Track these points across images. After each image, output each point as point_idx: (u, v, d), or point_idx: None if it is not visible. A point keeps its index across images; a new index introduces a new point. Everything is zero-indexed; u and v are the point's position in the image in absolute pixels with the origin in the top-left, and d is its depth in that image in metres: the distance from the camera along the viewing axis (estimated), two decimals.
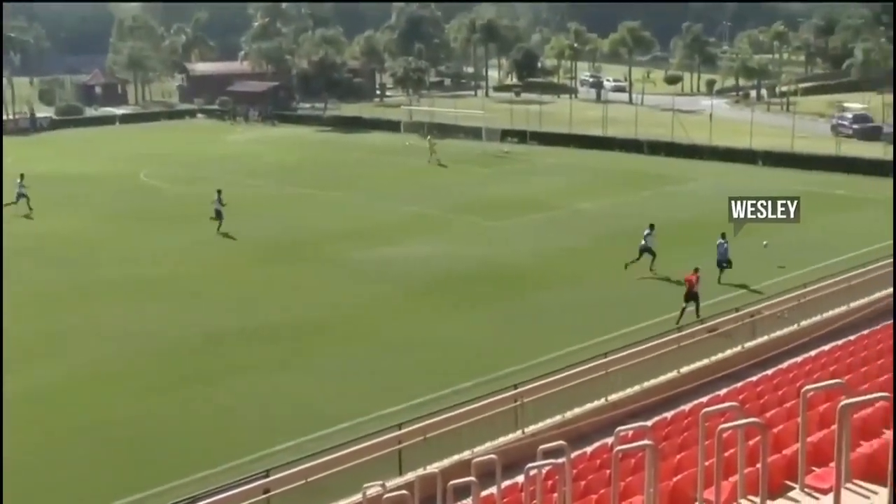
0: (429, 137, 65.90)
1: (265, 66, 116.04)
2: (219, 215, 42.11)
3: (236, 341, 27.57)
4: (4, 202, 45.87)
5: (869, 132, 65.59)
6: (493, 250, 37.93)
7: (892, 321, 22.88)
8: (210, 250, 39.05)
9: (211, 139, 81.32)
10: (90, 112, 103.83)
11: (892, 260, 28.15)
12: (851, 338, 22.23)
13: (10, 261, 36.30)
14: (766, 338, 24.44)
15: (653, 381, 21.82)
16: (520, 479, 14.76)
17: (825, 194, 45.57)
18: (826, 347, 22.00)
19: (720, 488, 9.59)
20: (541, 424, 19.75)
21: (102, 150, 74.30)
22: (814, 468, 9.71)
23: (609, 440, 15.85)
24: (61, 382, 24.57)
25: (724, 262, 32.02)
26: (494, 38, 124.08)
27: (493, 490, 14.45)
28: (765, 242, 34.98)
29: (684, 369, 22.45)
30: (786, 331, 24.90)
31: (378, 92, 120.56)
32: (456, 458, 18.21)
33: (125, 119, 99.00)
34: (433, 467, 17.28)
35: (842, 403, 7.77)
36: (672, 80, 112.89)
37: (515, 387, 19.97)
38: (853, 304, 26.53)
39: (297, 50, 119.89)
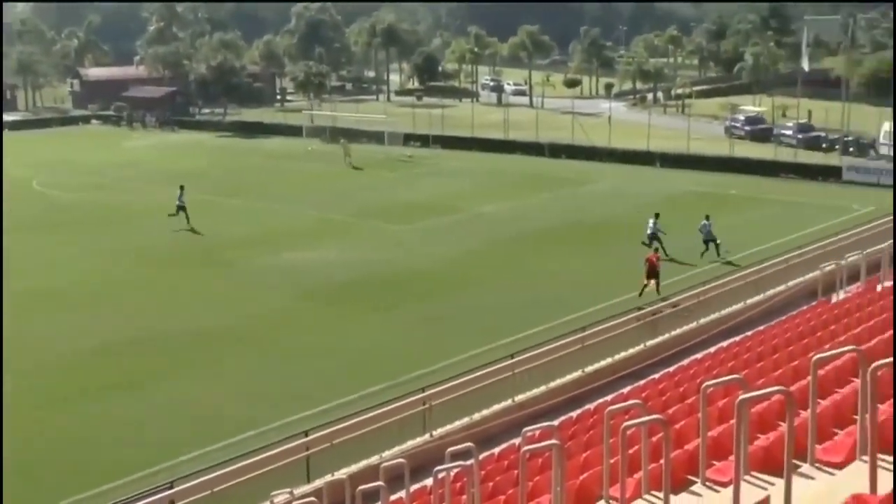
0: (342, 141, 65.84)
1: (162, 71, 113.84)
2: (182, 210, 43.01)
3: (137, 351, 26.99)
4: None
5: (760, 134, 67.60)
6: (397, 255, 37.95)
7: (784, 317, 23.74)
8: (108, 259, 38.16)
9: (107, 145, 79.43)
10: None
11: (790, 256, 29.16)
12: (748, 334, 22.87)
13: None
14: (667, 336, 25.00)
15: (558, 381, 22.11)
16: (428, 482, 14.81)
17: (719, 194, 46.82)
18: (724, 344, 22.54)
19: (625, 485, 9.77)
20: (448, 427, 19.85)
21: None
22: (714, 462, 9.96)
23: (516, 441, 16.01)
24: None
25: (709, 240, 34.75)
26: (395, 43, 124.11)
27: (401, 494, 14.47)
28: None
29: (589, 369, 22.81)
30: (686, 328, 25.52)
31: (279, 97, 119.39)
32: (364, 463, 18.19)
33: (15, 126, 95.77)
34: (341, 473, 17.22)
35: (740, 398, 8.00)
36: (571, 84, 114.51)
37: (423, 390, 20.05)
38: (749, 301, 27.32)
39: (195, 54, 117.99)
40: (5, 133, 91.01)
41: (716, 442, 10.49)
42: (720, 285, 27.44)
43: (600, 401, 19.17)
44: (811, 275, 27.83)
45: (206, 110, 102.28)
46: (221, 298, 32.25)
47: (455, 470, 13.35)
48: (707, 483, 9.55)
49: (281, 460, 17.43)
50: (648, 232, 35.46)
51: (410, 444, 19.10)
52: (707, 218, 35.17)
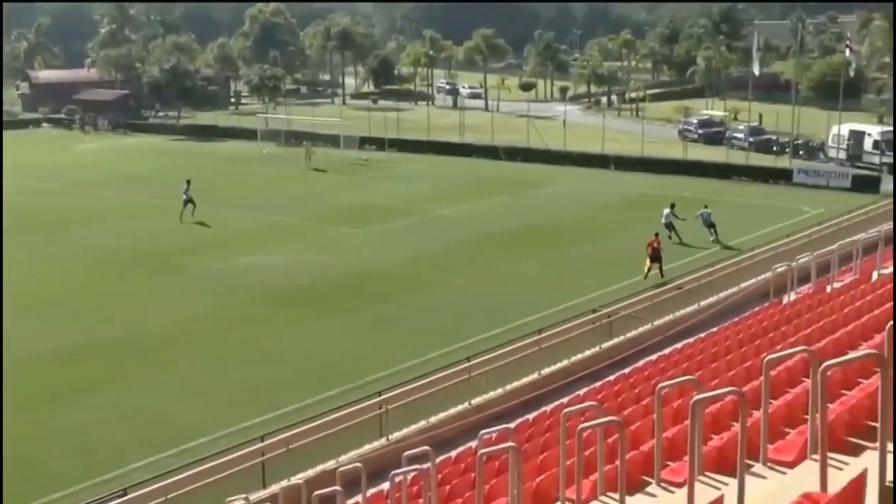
0: (306, 143, 65.63)
1: (114, 74, 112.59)
2: (190, 202, 45.03)
3: (88, 357, 26.65)
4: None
5: (712, 137, 68.33)
6: (354, 258, 37.84)
7: (737, 318, 24.01)
8: (57, 264, 37.66)
9: (58, 149, 78.45)
10: None
11: (743, 258, 29.51)
12: (702, 335, 23.09)
13: None
14: (622, 337, 25.15)
15: (515, 384, 22.16)
16: (385, 486, 14.77)
17: (673, 197, 47.15)
18: (678, 345, 22.75)
19: (581, 486, 9.81)
20: (405, 431, 19.82)
21: None
22: (669, 462, 10.03)
23: (473, 444, 16.02)
24: None
25: (710, 226, 37.87)
26: (350, 46, 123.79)
27: (358, 498, 14.43)
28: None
29: (545, 371, 22.88)
30: (641, 330, 25.68)
31: (233, 100, 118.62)
32: (320, 467, 18.10)
33: None
34: (297, 478, 17.13)
35: (694, 399, 8.06)
36: (526, 87, 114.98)
37: (380, 394, 19.99)
38: (702, 303, 27.58)
39: (148, 57, 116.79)
40: None
41: (670, 443, 10.57)
42: (674, 287, 27.66)
43: (556, 403, 19.25)
44: (763, 276, 28.18)
45: (160, 113, 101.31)
46: (173, 303, 31.93)
47: (412, 474, 13.31)
48: (662, 484, 9.62)
49: (236, 466, 17.28)
50: (664, 221, 37.42)
51: (367, 448, 19.03)
52: (706, 206, 38.61)
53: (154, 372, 25.72)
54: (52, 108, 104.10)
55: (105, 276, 35.67)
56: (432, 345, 26.37)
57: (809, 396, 8.30)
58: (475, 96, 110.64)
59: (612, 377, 20.87)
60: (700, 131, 70.26)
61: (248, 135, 78.29)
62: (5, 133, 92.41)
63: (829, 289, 23.31)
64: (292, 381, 24.54)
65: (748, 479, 7.90)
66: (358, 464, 15.33)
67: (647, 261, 32.38)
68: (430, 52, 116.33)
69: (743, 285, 28.73)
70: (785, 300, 24.68)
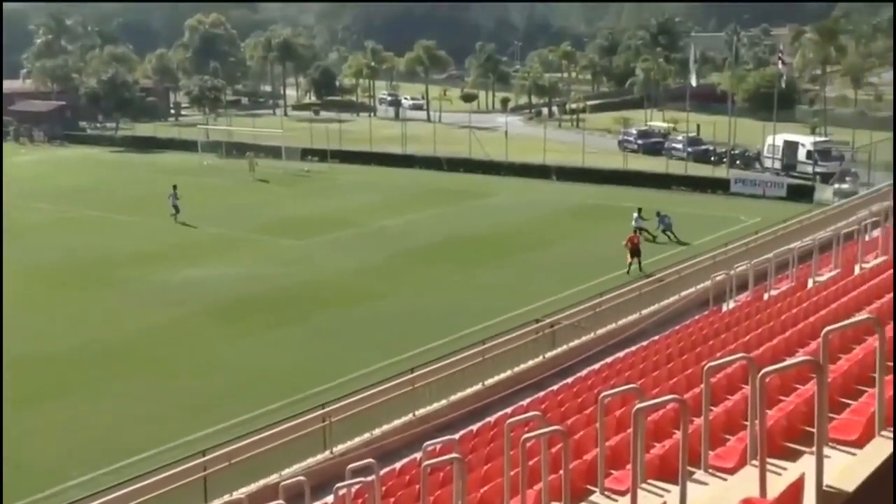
0: (249, 154, 65.10)
1: (50, 85, 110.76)
2: (176, 209, 47.09)
3: (27, 370, 26.08)
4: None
5: (651, 147, 69.16)
6: (296, 270, 37.60)
7: (678, 327, 24.27)
8: None
9: None
10: None
11: (683, 267, 29.84)
12: (643, 343, 23.28)
13: None
14: (565, 347, 25.26)
15: (459, 395, 22.14)
16: (329, 499, 14.68)
17: (614, 207, 47.68)
18: (620, 354, 22.88)
19: (525, 496, 9.82)
20: (349, 443, 19.71)
21: None
22: (612, 471, 10.08)
23: (417, 455, 15.97)
24: None
25: (668, 229, 39.81)
26: (291, 57, 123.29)
27: None
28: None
29: (489, 381, 22.90)
30: (583, 339, 25.82)
31: (173, 111, 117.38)
32: (263, 482, 17.92)
33: None
34: (240, 493, 16.95)
35: (636, 407, 8.11)
36: (468, 98, 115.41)
37: (323, 406, 19.86)
38: (644, 312, 27.82)
39: (85, 68, 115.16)
40: None
41: (614, 451, 10.63)
42: (615, 296, 27.87)
43: (500, 413, 19.26)
44: (703, 285, 28.52)
45: (98, 125, 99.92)
46: (115, 316, 31.44)
47: (356, 486, 13.25)
48: (605, 492, 9.67)
49: (177, 481, 17.03)
50: (634, 224, 39.10)
51: (310, 461, 18.88)
52: (658, 213, 40.31)
53: (95, 386, 25.29)
54: None
55: (45, 290, 35.01)
56: (376, 356, 26.28)
57: (748, 403, 8.40)
58: (417, 107, 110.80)
59: (555, 387, 20.93)
60: (640, 142, 71.06)
61: (188, 146, 77.49)
62: None
63: (766, 296, 23.68)
64: (235, 394, 24.29)
65: (690, 485, 7.96)
66: (301, 477, 15.22)
67: (628, 256, 34.82)
68: (372, 64, 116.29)
69: (683, 293, 29.05)
70: (724, 308, 25.00)
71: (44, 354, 27.57)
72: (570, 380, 21.33)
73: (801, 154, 57.12)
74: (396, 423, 20.69)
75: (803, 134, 64.58)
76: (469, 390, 22.42)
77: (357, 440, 19.85)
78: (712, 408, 10.48)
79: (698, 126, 70.04)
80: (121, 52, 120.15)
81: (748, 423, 8.42)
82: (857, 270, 21.38)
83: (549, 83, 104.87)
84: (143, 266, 38.28)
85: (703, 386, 9.07)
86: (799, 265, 25.06)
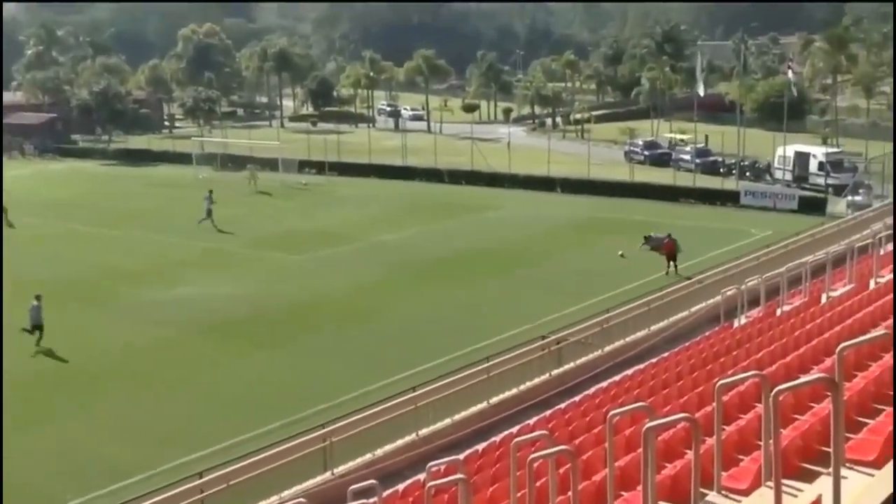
0: (250, 167, 65.22)
1: (41, 97, 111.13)
2: (209, 213, 48.60)
3: (13, 392, 26.02)
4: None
5: (658, 158, 69.24)
6: (294, 286, 37.60)
7: (688, 343, 24.28)
8: None
9: None
10: None
11: (692, 282, 29.83)
12: (653, 361, 23.29)
13: None
14: (572, 364, 25.25)
15: (463, 414, 22.12)
16: None
17: (620, 220, 47.73)
18: (629, 371, 22.91)
19: None
20: (351, 464, 19.69)
21: None
22: (622, 493, 10.09)
23: (421, 476, 15.98)
24: None
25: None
26: (287, 67, 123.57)
27: None
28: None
29: (494, 400, 22.89)
30: (591, 356, 25.80)
31: (167, 123, 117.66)
32: None
33: None
34: None
35: (646, 426, 8.14)
36: (469, 109, 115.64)
37: (323, 426, 19.85)
38: (653, 328, 27.83)
39: (76, 80, 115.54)
40: None
41: (623, 472, 10.64)
42: (624, 312, 27.88)
43: (506, 432, 19.28)
44: (713, 300, 28.55)
45: (90, 137, 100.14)
46: (106, 335, 31.43)
47: None
48: None
49: None
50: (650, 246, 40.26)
51: (311, 482, 18.86)
52: (648, 237, 40.81)
53: (85, 407, 25.29)
54: None
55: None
56: (377, 374, 26.27)
57: (762, 422, 8.42)
58: (417, 118, 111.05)
59: (562, 405, 20.94)
60: (646, 153, 71.16)
61: (182, 159, 77.60)
62: None
63: (779, 312, 23.69)
64: (231, 415, 24.28)
65: None
66: (301, 499, 15.21)
67: (665, 261, 36.80)
68: (371, 74, 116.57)
69: (693, 309, 29.06)
70: (735, 324, 25.01)
71: (33, 375, 27.55)
72: (577, 398, 21.33)
73: (813, 165, 57.19)
74: (399, 443, 20.67)
75: (814, 145, 64.66)
76: (474, 409, 22.40)
77: (358, 461, 19.83)
78: (725, 427, 10.50)
79: (706, 137, 70.16)
80: (113, 62, 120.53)
81: (762, 443, 8.43)
82: (872, 285, 21.42)
83: (553, 93, 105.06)
84: (133, 283, 38.30)
85: (714, 404, 9.09)
86: (812, 280, 25.06)
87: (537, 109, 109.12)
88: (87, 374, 27.82)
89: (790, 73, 68.23)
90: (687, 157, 65.65)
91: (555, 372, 24.71)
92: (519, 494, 10.50)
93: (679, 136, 75.98)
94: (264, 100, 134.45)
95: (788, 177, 58.05)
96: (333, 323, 32.41)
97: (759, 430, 9.21)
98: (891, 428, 8.02)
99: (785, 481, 7.93)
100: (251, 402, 25.30)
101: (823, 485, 7.49)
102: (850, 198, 50.44)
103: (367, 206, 56.29)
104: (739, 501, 8.73)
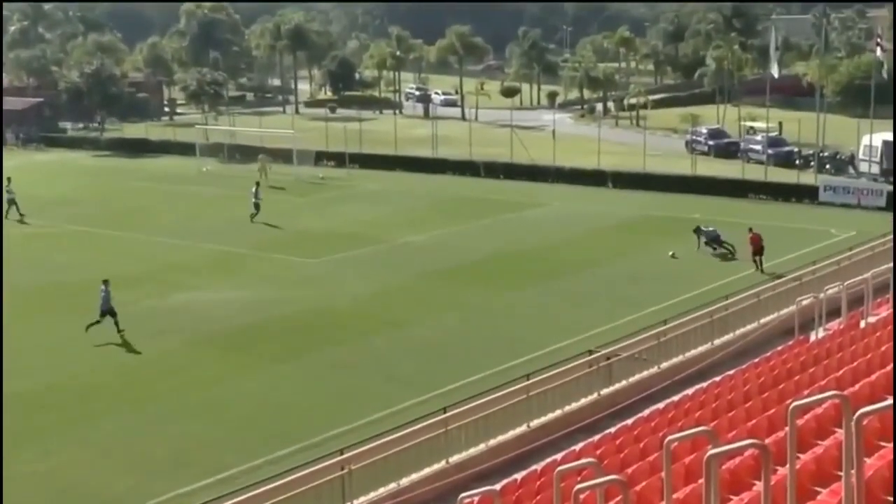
0: (261, 157, 65.42)
1: (26, 80, 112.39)
2: (257, 208, 50.65)
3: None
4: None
5: (725, 149, 68.89)
6: (308, 293, 37.75)
7: (757, 359, 24.12)
8: None
9: None
10: None
11: (762, 290, 29.69)
12: (716, 379, 23.17)
13: None
14: (624, 383, 25.17)
15: (500, 438, 22.12)
16: None
17: (681, 219, 47.52)
18: (689, 391, 22.80)
19: None
20: (372, 495, 19.73)
21: None
22: None
23: None
24: None
25: (716, 243, 40.85)
26: (304, 46, 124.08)
27: None
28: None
29: (535, 423, 22.86)
30: (645, 374, 25.72)
31: (167, 109, 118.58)
32: None
33: None
34: None
35: (708, 454, 8.09)
36: (509, 93, 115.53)
37: (342, 452, 19.89)
38: (717, 342, 27.68)
39: (66, 59, 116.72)
40: None
41: None
42: (683, 323, 27.75)
43: (549, 460, 19.25)
44: (786, 310, 28.36)
45: (80, 125, 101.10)
46: (98, 348, 31.64)
47: None
48: None
49: None
50: (704, 240, 40.98)
51: None
52: (697, 229, 41.29)
53: (74, 429, 25.47)
54: None
55: (18, 317, 35.23)
56: (402, 394, 26.31)
57: (843, 449, 8.35)
58: (450, 104, 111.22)
59: (612, 429, 20.90)
60: (711, 142, 70.89)
61: (184, 149, 78.15)
62: None
63: (862, 324, 23.49)
64: (239, 439, 24.39)
65: None
66: None
67: (752, 256, 37.84)
68: (397, 53, 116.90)
69: (763, 321, 28.89)
70: (812, 337, 24.84)
71: (16, 393, 27.74)
72: (630, 421, 21.27)
73: None
74: (427, 471, 20.69)
75: None
76: (511, 433, 22.39)
77: (381, 491, 19.87)
78: (799, 455, 10.42)
79: (780, 124, 69.71)
80: (107, 40, 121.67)
81: (842, 474, 8.36)
82: None
83: (604, 74, 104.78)
84: (131, 289, 38.51)
85: (788, 429, 9.02)
86: None
87: (586, 93, 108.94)
88: (76, 392, 28.04)
89: (879, 51, 67.64)
90: (758, 147, 65.25)
91: (604, 391, 24.64)
92: None
93: (749, 124, 75.53)
94: (277, 83, 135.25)
95: (875, 170, 57.54)
96: (352, 334, 32.47)
97: (840, 459, 9.13)
98: None
99: None
100: (260, 423, 25.40)
101: None
102: None
103: (391, 203, 56.41)
104: None
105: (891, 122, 57.04)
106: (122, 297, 37.37)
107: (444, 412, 21.70)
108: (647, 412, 21.87)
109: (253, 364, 30.10)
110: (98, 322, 32.26)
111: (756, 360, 24.01)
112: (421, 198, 57.77)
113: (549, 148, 64.49)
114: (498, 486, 16.93)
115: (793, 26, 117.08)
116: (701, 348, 27.31)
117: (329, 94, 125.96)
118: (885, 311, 23.90)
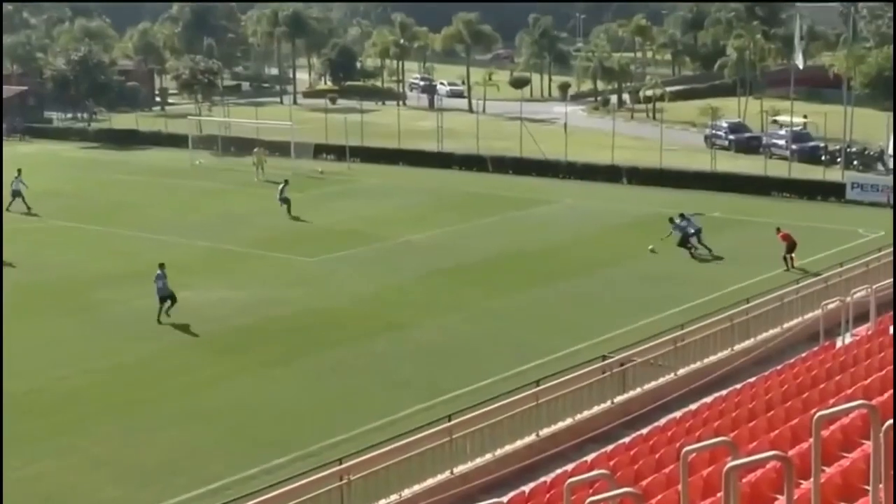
0: (257, 150, 65.41)
1: (9, 67, 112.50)
2: (286, 202, 51.80)
3: None
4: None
5: (746, 144, 68.82)
6: (307, 293, 37.80)
7: (780, 366, 24.11)
8: None
9: None
10: None
11: (786, 292, 29.69)
12: (737, 387, 23.16)
13: None
14: (639, 390, 25.13)
15: (507, 448, 22.11)
16: None
17: (702, 217, 47.47)
18: (708, 399, 22.80)
19: None
20: None
21: None
22: None
23: None
24: None
25: (691, 236, 40.89)
26: (302, 33, 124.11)
27: None
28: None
29: (544, 432, 22.84)
30: (661, 381, 25.68)
31: (158, 99, 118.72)
32: None
33: None
34: None
35: (728, 465, 8.08)
36: (518, 84, 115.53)
37: (340, 461, 19.89)
38: (737, 347, 27.64)
39: (52, 46, 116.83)
40: None
41: None
42: (702, 328, 27.71)
43: (559, 471, 19.27)
44: (811, 314, 28.31)
45: (67, 115, 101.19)
46: (85, 350, 31.74)
47: None
48: None
49: None
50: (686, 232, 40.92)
51: None
52: (680, 217, 41.55)
53: (59, 435, 25.48)
54: None
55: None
56: (403, 400, 26.34)
57: (871, 463, 8.33)
58: (456, 95, 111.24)
59: (626, 439, 20.91)
60: (732, 137, 70.80)
61: (176, 141, 78.23)
62: None
63: (892, 329, 23.44)
64: (232, 447, 24.42)
65: None
66: None
67: (784, 252, 38.15)
68: (401, 41, 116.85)
69: (787, 325, 28.83)
70: (838, 343, 24.81)
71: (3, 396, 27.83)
72: (644, 431, 21.29)
73: None
74: (430, 482, 20.68)
75: None
76: (520, 443, 22.38)
77: (382, 503, 19.86)
78: (824, 468, 10.40)
79: (805, 118, 69.67)
80: (95, 26, 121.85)
81: (870, 488, 8.34)
82: None
83: (619, 65, 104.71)
84: (120, 288, 38.62)
85: (812, 440, 9.00)
86: None
87: (600, 85, 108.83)
88: (62, 397, 28.04)
89: None
90: (781, 142, 65.19)
91: (618, 399, 24.61)
92: None
93: (772, 118, 75.49)
94: (274, 72, 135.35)
95: None
96: (352, 337, 32.50)
97: (867, 473, 9.11)
98: None
99: None
100: (255, 430, 25.42)
101: None
102: None
103: (393, 199, 56.42)
104: None
105: None
106: (109, 297, 37.57)
107: (449, 420, 21.68)
108: (662, 421, 21.87)
109: (248, 367, 30.13)
110: (162, 308, 33.86)
111: (779, 366, 24.01)
112: (425, 194, 57.78)
113: (560, 142, 64.47)
114: (505, 499, 16.93)
115: (819, 15, 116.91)
116: (720, 354, 27.25)
117: (329, 83, 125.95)
118: None
